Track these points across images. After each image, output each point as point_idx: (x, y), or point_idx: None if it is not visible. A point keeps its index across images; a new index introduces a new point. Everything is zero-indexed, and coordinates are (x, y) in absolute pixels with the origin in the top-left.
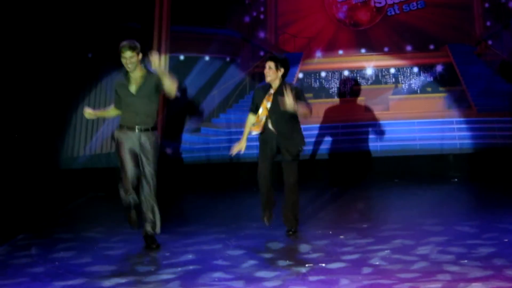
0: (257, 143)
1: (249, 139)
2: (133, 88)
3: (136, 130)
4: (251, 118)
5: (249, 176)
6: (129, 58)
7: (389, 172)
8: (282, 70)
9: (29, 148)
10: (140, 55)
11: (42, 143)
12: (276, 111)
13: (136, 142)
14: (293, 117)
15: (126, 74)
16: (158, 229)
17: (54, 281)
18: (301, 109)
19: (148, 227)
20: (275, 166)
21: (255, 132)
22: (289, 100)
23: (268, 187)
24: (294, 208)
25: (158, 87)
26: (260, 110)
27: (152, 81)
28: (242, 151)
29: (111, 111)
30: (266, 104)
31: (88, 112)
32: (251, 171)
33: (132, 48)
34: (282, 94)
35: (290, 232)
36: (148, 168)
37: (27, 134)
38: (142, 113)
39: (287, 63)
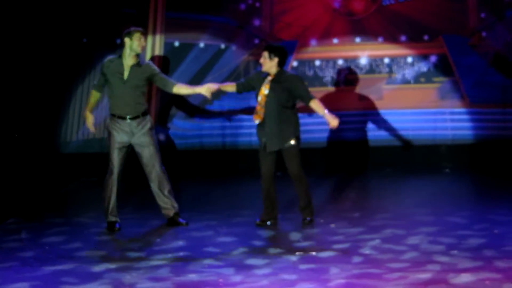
0: (250, 131)
1: (240, 127)
2: (125, 75)
3: (128, 119)
4: (233, 87)
5: (243, 163)
6: (143, 42)
7: (382, 162)
8: (276, 59)
9: (22, 132)
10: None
11: (35, 128)
12: (270, 101)
13: (128, 131)
14: (288, 107)
15: (120, 60)
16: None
17: (44, 265)
18: (320, 110)
19: (171, 212)
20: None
21: (257, 120)
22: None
23: (269, 189)
24: (305, 197)
25: (149, 79)
26: (259, 98)
27: (143, 72)
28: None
29: (92, 98)
30: (264, 91)
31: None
32: (245, 158)
33: (144, 34)
34: (279, 83)
35: (305, 221)
36: (147, 156)
37: (20, 118)
38: (132, 101)
39: (282, 51)
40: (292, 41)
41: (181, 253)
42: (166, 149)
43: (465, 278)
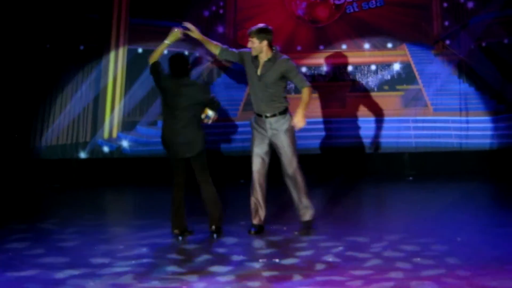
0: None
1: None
2: (258, 71)
3: (263, 117)
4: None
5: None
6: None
7: (342, 170)
8: (265, 41)
9: None
10: (265, 42)
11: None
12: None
13: (268, 129)
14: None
15: (256, 57)
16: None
17: (7, 271)
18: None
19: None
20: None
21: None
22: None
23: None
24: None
25: (283, 75)
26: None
27: (277, 68)
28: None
29: (214, 46)
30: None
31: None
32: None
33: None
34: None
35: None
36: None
37: None
38: (264, 99)
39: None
40: None
41: (144, 260)
42: (130, 156)
43: (428, 285)
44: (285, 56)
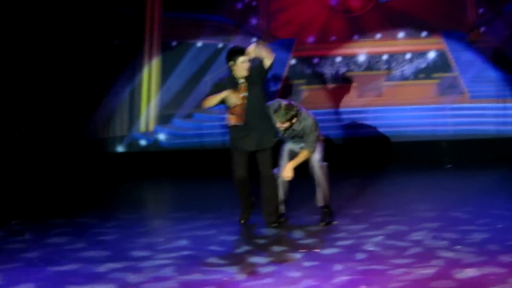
0: None
1: None
2: None
3: None
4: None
5: None
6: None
7: (382, 159)
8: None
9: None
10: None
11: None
12: (251, 101)
13: None
14: (263, 110)
15: None
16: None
17: (48, 266)
18: (263, 52)
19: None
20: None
21: (236, 123)
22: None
23: (248, 188)
24: (275, 201)
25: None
26: (234, 102)
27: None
28: None
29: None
30: (243, 93)
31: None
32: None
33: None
34: (253, 82)
35: (273, 226)
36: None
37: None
38: None
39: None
40: (290, 39)
41: (185, 252)
42: (166, 149)
43: (470, 273)
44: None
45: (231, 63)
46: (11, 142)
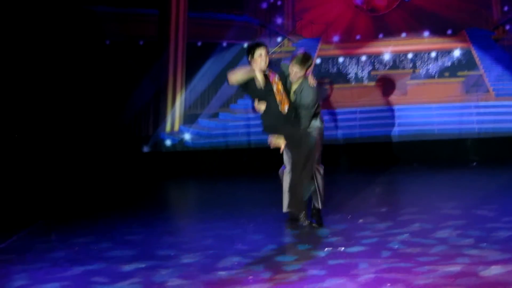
0: None
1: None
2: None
3: None
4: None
5: (267, 161)
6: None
7: (407, 157)
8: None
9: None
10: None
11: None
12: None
13: None
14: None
15: None
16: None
17: (74, 266)
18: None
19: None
20: None
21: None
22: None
23: None
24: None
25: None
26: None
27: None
28: None
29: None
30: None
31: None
32: (271, 155)
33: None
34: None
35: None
36: None
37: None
38: None
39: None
40: (315, 38)
41: (210, 251)
42: (192, 148)
43: (495, 270)
44: None
45: (249, 58)
46: (39, 143)
